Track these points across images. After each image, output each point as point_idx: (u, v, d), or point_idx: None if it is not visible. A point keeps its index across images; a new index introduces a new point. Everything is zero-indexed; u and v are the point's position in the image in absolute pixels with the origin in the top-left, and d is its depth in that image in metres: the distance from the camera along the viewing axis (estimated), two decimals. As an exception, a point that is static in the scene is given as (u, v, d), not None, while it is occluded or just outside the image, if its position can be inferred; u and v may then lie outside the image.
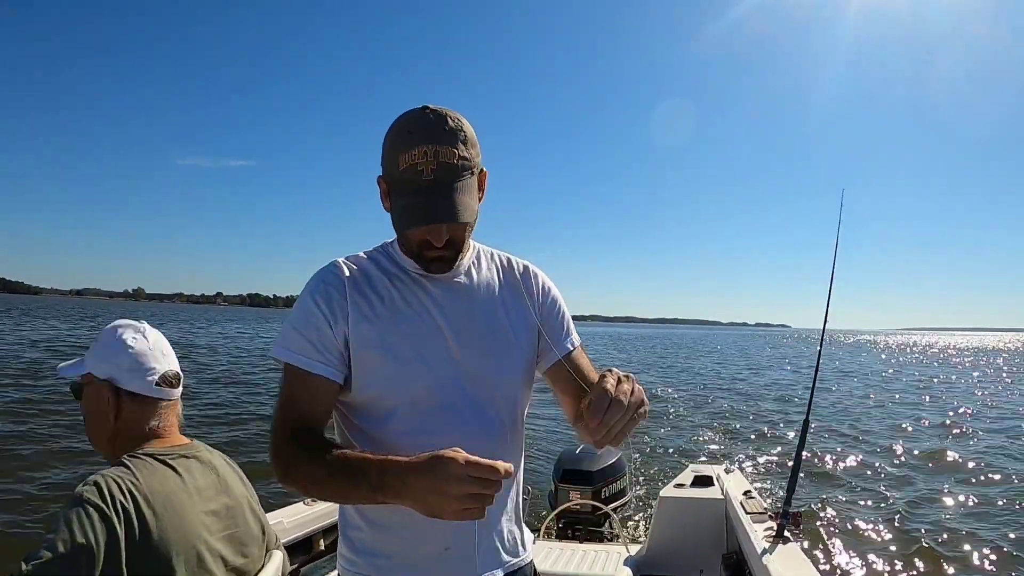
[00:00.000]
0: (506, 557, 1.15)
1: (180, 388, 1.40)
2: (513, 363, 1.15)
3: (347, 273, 1.11)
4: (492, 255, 1.24)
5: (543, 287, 1.24)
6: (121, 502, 1.12)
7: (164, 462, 1.26)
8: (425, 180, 0.99)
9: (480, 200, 1.11)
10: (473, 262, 1.18)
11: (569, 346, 1.22)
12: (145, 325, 1.39)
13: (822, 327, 2.63)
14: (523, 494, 1.23)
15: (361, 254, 1.17)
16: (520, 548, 1.19)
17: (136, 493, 1.15)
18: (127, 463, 1.21)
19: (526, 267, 1.25)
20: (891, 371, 27.15)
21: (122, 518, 1.11)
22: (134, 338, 1.34)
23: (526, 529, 1.22)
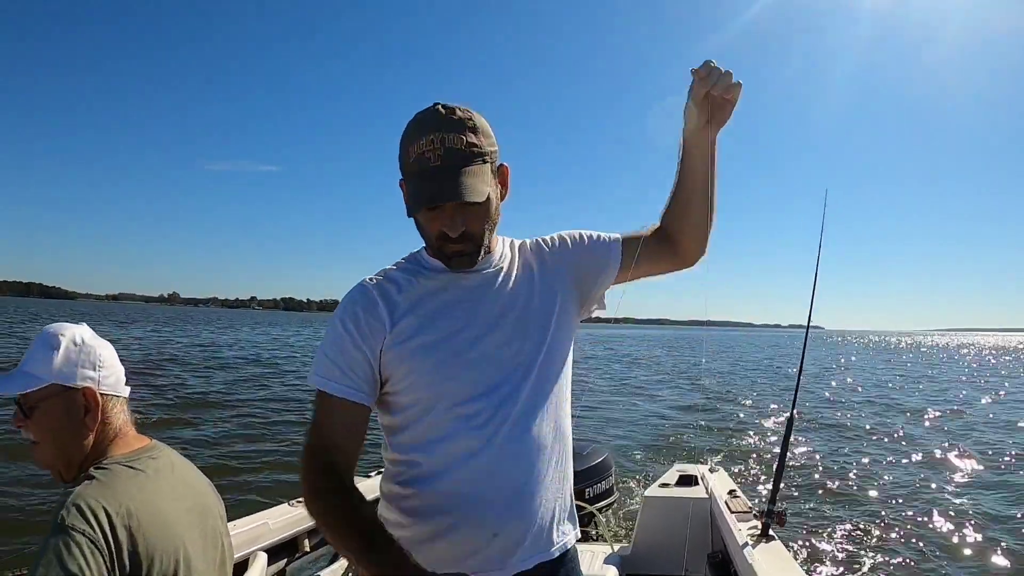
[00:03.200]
0: (555, 539, 1.14)
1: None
2: (553, 346, 1.16)
3: (374, 288, 1.12)
4: (521, 244, 1.26)
5: (554, 241, 1.27)
6: (108, 524, 1.06)
7: (133, 467, 1.21)
8: (432, 166, 1.02)
9: (503, 196, 1.15)
10: (505, 254, 1.20)
11: (617, 235, 1.28)
12: (84, 327, 1.31)
13: (806, 325, 2.63)
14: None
15: (390, 266, 1.19)
16: (567, 531, 1.18)
17: (120, 509, 1.09)
18: (97, 476, 1.15)
19: (537, 240, 1.28)
20: (892, 370, 27.31)
21: (111, 541, 1.06)
22: (93, 338, 1.28)
23: (573, 510, 1.21)
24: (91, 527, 1.03)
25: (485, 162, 1.07)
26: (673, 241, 1.27)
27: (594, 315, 1.33)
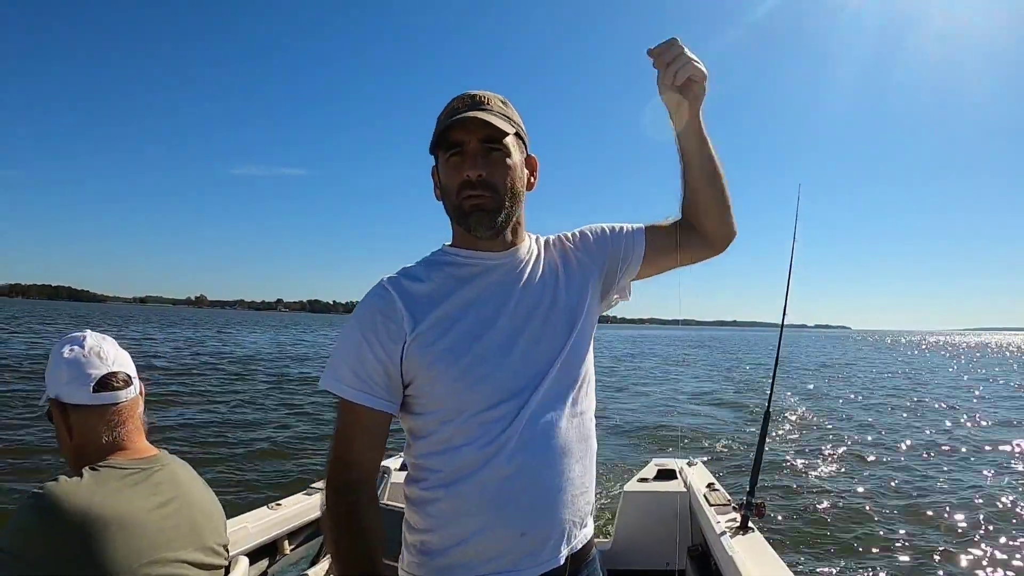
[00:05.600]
0: (576, 532, 1.13)
1: (131, 390, 1.36)
2: (576, 344, 1.14)
3: (392, 287, 1.09)
4: (545, 240, 1.25)
5: (576, 236, 1.26)
6: (69, 516, 1.12)
7: (125, 476, 1.25)
8: (461, 111, 1.07)
9: (531, 186, 1.17)
10: (532, 248, 1.19)
11: (640, 225, 1.26)
12: (85, 333, 1.37)
13: (781, 321, 2.67)
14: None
15: (411, 264, 1.17)
16: (587, 521, 1.17)
17: (83, 507, 1.14)
18: (86, 475, 1.21)
19: (559, 236, 1.27)
20: (888, 367, 27.60)
21: (65, 533, 1.11)
22: (70, 350, 1.32)
23: (593, 498, 1.19)
24: (53, 513, 1.12)
25: (513, 126, 1.10)
26: (697, 229, 1.25)
27: (617, 305, 1.30)
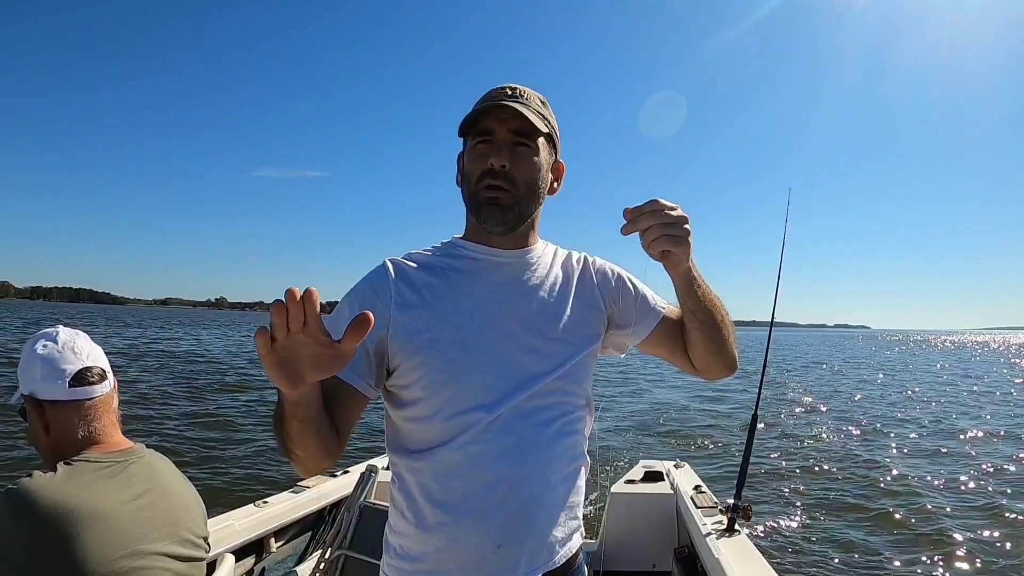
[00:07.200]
0: (558, 548, 1.09)
1: (106, 385, 1.36)
2: (575, 363, 1.10)
3: (394, 268, 1.09)
4: (567, 253, 1.22)
5: (604, 268, 1.22)
6: (42, 511, 1.13)
7: (99, 469, 1.26)
8: (497, 99, 1.05)
9: (554, 191, 1.16)
10: (544, 256, 1.16)
11: (663, 307, 1.22)
12: (58, 329, 1.36)
13: (770, 322, 2.68)
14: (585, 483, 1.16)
15: (422, 249, 1.15)
16: (572, 538, 1.12)
17: (62, 501, 1.15)
18: (60, 469, 1.21)
19: (585, 256, 1.23)
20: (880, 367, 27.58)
21: (40, 528, 1.12)
22: (44, 345, 1.31)
23: (580, 516, 1.15)
24: (25, 508, 1.13)
25: (547, 127, 1.07)
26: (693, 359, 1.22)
27: (608, 355, 1.26)
